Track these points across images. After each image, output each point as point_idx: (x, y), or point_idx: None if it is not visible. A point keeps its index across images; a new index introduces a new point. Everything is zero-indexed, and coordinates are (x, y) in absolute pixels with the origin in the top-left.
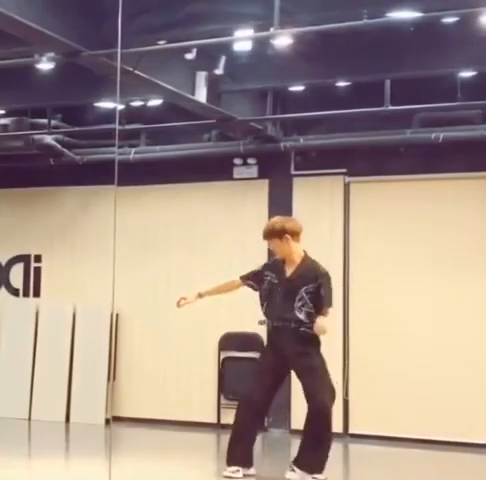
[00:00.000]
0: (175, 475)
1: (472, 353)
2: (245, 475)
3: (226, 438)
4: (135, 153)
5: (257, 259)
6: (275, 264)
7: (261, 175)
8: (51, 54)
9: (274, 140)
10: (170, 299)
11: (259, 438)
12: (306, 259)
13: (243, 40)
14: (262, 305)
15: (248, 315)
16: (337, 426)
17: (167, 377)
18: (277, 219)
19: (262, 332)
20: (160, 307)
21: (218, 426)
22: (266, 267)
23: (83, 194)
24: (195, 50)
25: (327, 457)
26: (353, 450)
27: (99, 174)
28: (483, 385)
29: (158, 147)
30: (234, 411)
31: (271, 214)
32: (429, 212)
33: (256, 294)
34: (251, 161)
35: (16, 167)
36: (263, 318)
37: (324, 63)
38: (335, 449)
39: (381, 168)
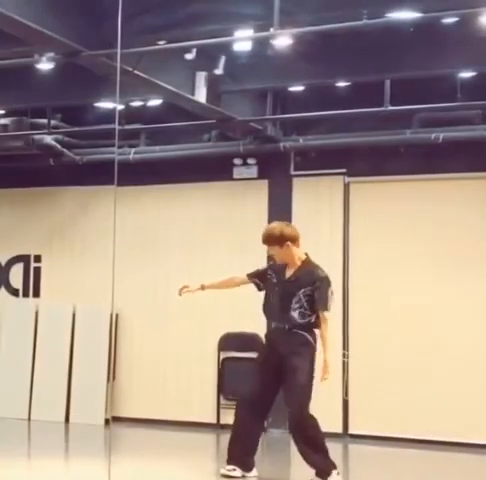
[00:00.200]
0: (175, 475)
1: (471, 354)
2: (244, 476)
3: (226, 438)
4: (135, 153)
5: (257, 259)
6: (278, 265)
7: (261, 175)
8: (51, 54)
9: (274, 140)
10: (170, 299)
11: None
12: (307, 262)
13: (243, 40)
14: (264, 306)
15: (248, 315)
16: (336, 426)
17: (167, 377)
18: (275, 225)
19: (262, 332)
20: (160, 307)
21: (217, 426)
22: (270, 267)
23: (83, 194)
24: (195, 50)
25: (323, 459)
26: (352, 450)
27: (99, 174)
28: (482, 386)
29: (158, 147)
30: (233, 412)
31: (271, 214)
32: (429, 212)
33: (256, 295)
34: (251, 161)
35: (16, 167)
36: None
37: (324, 63)
38: (335, 449)
39: (381, 168)
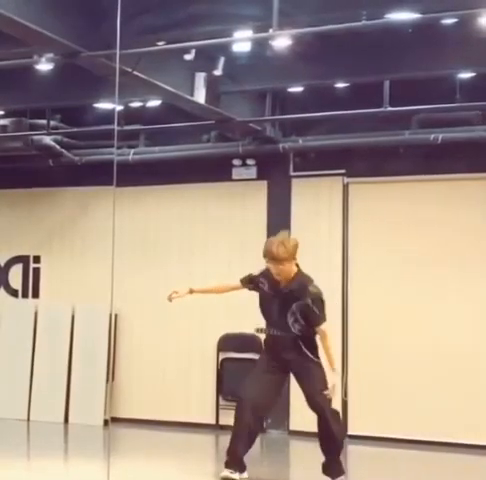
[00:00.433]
0: (173, 476)
1: (471, 355)
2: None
3: (225, 439)
4: (134, 154)
5: (256, 259)
6: (269, 274)
7: (260, 176)
8: (50, 55)
9: (273, 141)
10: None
11: (258, 439)
12: (299, 274)
13: (242, 41)
14: (260, 311)
15: (247, 316)
16: None
17: (166, 378)
18: (285, 243)
19: (261, 333)
20: (159, 308)
21: (217, 427)
22: (262, 274)
23: (82, 195)
24: (194, 51)
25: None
26: (352, 451)
27: (98, 175)
28: (481, 387)
29: (157, 148)
30: (233, 412)
31: (270, 215)
32: (428, 213)
33: (255, 295)
34: (250, 162)
35: (15, 168)
36: (260, 326)
37: (323, 64)
38: None
39: (380, 169)
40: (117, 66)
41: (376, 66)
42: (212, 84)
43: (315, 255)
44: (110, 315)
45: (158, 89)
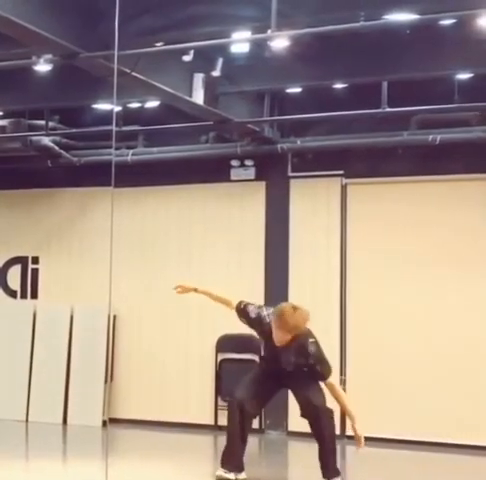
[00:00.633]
0: (172, 477)
1: (469, 356)
2: (236, 479)
3: (223, 439)
4: (132, 155)
5: (254, 260)
6: (265, 327)
7: (258, 177)
8: (48, 56)
9: (271, 142)
10: (167, 301)
11: (256, 440)
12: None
13: (240, 42)
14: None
15: None
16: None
17: (164, 379)
18: (302, 313)
19: None
20: (157, 308)
21: (215, 428)
22: (257, 320)
23: (81, 195)
24: (192, 52)
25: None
26: (350, 452)
27: (97, 176)
28: (479, 388)
29: (155, 149)
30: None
31: (268, 216)
32: (426, 213)
33: (253, 296)
34: (248, 163)
35: (14, 168)
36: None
37: (321, 65)
38: None
39: (378, 170)
40: (115, 67)
41: (374, 67)
42: (210, 85)
43: (313, 256)
44: (108, 316)
45: (156, 90)
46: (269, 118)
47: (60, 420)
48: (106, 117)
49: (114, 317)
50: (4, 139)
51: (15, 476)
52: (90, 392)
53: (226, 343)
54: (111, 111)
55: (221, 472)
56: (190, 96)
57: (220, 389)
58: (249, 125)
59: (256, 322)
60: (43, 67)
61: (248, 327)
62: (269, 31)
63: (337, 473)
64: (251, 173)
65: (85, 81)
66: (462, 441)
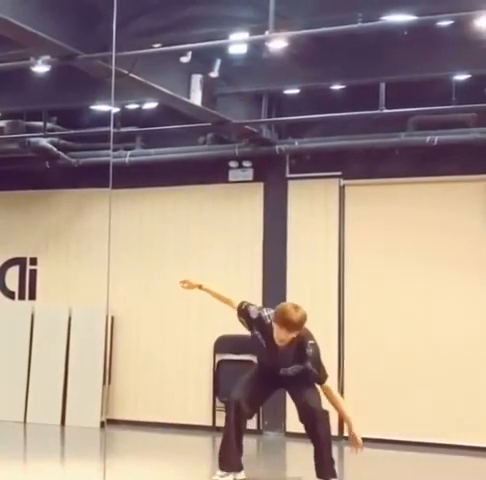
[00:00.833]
0: (170, 478)
1: (468, 357)
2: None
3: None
4: (130, 156)
5: (252, 261)
6: (267, 329)
7: (256, 178)
8: (46, 57)
9: (269, 143)
10: (166, 302)
11: (254, 441)
12: (298, 336)
13: (238, 43)
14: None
15: None
16: (332, 429)
17: (162, 380)
18: (301, 310)
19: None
20: (155, 309)
21: (213, 429)
22: (258, 322)
23: (79, 197)
24: (190, 53)
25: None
26: (347, 453)
27: (94, 177)
28: (478, 389)
29: (153, 150)
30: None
31: (266, 217)
32: (424, 214)
33: (252, 297)
34: (246, 164)
35: (11, 170)
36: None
37: (319, 66)
38: None
39: (376, 171)
40: (113, 68)
41: (372, 68)
42: (208, 86)
43: (311, 257)
44: (106, 317)
45: (154, 91)
46: (267, 119)
47: (58, 421)
48: (104, 118)
49: (112, 318)
50: (2, 140)
51: (13, 477)
52: (88, 393)
53: (224, 344)
54: (109, 112)
55: (217, 476)
56: (188, 97)
57: (218, 390)
58: (247, 126)
59: (257, 323)
60: (41, 68)
61: (246, 328)
62: (267, 32)
63: (333, 474)
64: (249, 174)
65: (83, 82)
66: (461, 442)
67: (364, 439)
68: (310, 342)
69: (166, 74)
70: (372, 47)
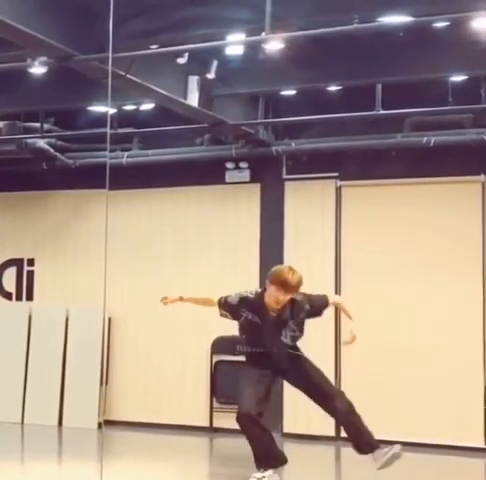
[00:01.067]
0: (167, 478)
1: (464, 357)
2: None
3: (219, 441)
4: (127, 157)
5: (249, 262)
6: (254, 303)
7: (253, 179)
8: (43, 58)
9: (266, 144)
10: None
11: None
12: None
13: (235, 44)
14: (241, 336)
15: None
16: (329, 430)
17: (159, 381)
18: (296, 271)
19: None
20: (153, 310)
21: (210, 430)
22: (243, 304)
23: (76, 198)
24: (187, 54)
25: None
26: (345, 453)
27: (92, 178)
28: (474, 389)
29: (150, 151)
30: (226, 415)
31: (263, 218)
32: (420, 215)
33: None
34: (243, 165)
35: (9, 171)
36: (240, 348)
37: (315, 67)
38: (327, 452)
39: (372, 172)
40: (110, 69)
41: (368, 69)
42: (205, 87)
43: (308, 257)
44: (104, 318)
45: (151, 92)
46: (263, 120)
47: (55, 422)
48: (101, 119)
49: (109, 319)
50: None
51: (11, 478)
52: (85, 394)
53: (221, 345)
54: (106, 113)
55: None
56: (185, 98)
57: (215, 391)
58: (244, 127)
59: (242, 303)
60: (38, 69)
61: (232, 319)
62: (263, 33)
63: (376, 445)
64: (246, 175)
65: (80, 83)
66: (457, 443)
67: None
68: (298, 298)
69: (163, 75)
70: (368, 48)
